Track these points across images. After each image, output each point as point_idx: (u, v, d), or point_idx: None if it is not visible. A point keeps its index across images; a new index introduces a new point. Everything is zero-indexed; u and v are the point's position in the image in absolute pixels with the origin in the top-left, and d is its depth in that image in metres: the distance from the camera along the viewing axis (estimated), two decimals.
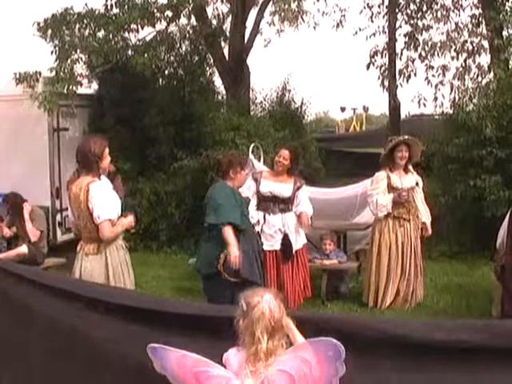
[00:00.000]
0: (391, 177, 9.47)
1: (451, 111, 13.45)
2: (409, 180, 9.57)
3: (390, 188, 9.45)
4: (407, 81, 17.75)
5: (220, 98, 16.58)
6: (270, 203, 9.06)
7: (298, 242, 9.21)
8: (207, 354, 3.54)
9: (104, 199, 6.32)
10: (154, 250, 13.71)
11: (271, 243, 9.02)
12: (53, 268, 9.93)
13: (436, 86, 16.06)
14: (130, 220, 6.57)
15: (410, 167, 9.69)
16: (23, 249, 9.51)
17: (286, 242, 9.04)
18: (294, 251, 9.09)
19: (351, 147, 24.56)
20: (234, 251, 7.47)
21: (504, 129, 11.96)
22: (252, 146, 11.55)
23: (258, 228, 8.88)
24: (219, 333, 3.69)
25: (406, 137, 9.71)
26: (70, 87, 12.73)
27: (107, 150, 6.50)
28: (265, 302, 3.40)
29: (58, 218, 13.00)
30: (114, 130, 13.94)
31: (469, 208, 12.24)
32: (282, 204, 9.09)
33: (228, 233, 7.50)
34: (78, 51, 13.24)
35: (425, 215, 9.65)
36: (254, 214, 8.88)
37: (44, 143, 13.13)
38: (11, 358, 4.83)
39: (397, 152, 9.51)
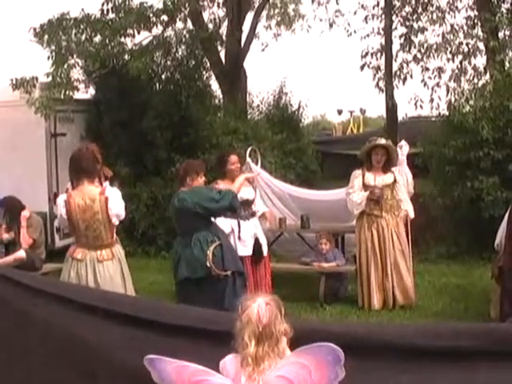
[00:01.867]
0: (366, 175, 9.59)
1: (448, 113, 13.47)
2: (384, 178, 9.67)
3: (364, 186, 9.58)
4: (403, 83, 17.78)
5: (217, 101, 16.62)
6: (241, 210, 8.92)
7: (265, 246, 9.35)
8: (208, 361, 3.54)
9: (121, 201, 6.55)
10: (152, 254, 13.73)
11: (248, 249, 9.08)
12: (51, 273, 9.91)
13: (432, 88, 16.07)
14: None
15: (396, 169, 9.78)
16: (21, 254, 9.47)
17: (257, 245, 9.17)
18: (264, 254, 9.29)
19: (348, 150, 24.45)
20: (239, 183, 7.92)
21: (501, 130, 11.99)
22: (249, 149, 11.56)
23: (233, 236, 8.89)
24: (220, 338, 3.67)
25: (383, 141, 9.78)
26: (67, 92, 12.77)
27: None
28: (254, 307, 3.39)
29: (56, 223, 12.98)
30: (112, 135, 13.98)
31: (466, 209, 12.26)
32: (250, 208, 9.20)
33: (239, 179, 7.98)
34: (75, 56, 13.30)
35: (408, 207, 9.78)
36: (227, 224, 8.84)
37: (41, 148, 13.17)
38: (9, 364, 4.82)
39: (373, 155, 9.64)
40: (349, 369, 3.30)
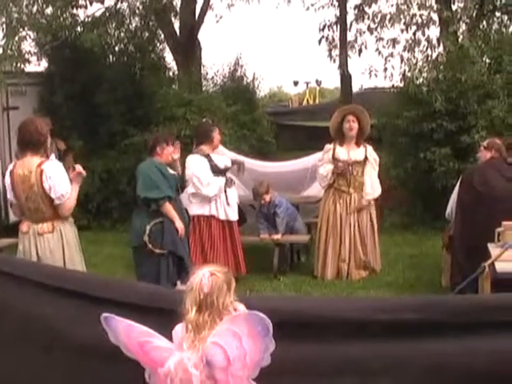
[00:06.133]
0: (337, 149, 9.61)
1: (402, 84, 13.55)
2: (355, 154, 9.67)
3: (334, 160, 9.59)
4: (359, 54, 17.83)
5: (171, 74, 16.52)
6: (225, 176, 9.44)
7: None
8: (161, 333, 3.58)
9: (61, 178, 6.40)
10: (107, 228, 13.70)
11: (236, 214, 9.52)
12: (6, 249, 9.82)
13: (386, 58, 16.13)
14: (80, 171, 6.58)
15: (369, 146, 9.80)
16: None
17: (240, 211, 9.69)
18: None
19: (304, 121, 24.57)
20: (179, 223, 7.96)
21: (453, 102, 12.11)
22: (203, 121, 11.54)
23: (219, 202, 9.32)
24: (170, 316, 3.70)
25: (350, 106, 9.80)
26: (18, 65, 12.57)
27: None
28: (197, 276, 3.45)
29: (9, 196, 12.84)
30: (65, 108, 13.86)
31: (419, 180, 12.42)
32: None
33: (169, 208, 7.94)
34: (26, 28, 13.06)
35: (369, 191, 9.70)
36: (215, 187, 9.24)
37: None
38: None
39: (345, 123, 9.63)
40: (293, 342, 3.38)
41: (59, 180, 6.36)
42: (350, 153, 9.64)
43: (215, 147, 9.47)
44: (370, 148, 9.80)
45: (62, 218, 6.51)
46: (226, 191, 9.32)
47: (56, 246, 6.46)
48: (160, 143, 8.12)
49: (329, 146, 9.75)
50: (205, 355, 3.33)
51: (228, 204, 9.36)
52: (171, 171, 8.20)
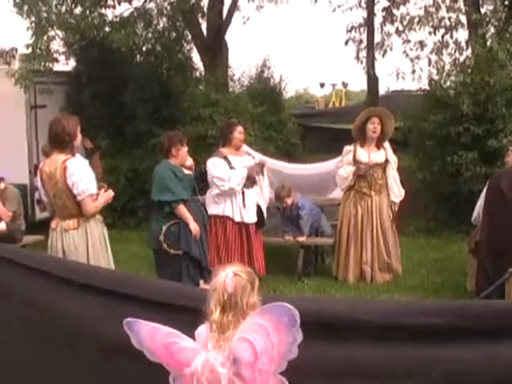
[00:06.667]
0: (358, 151, 9.58)
1: (429, 87, 13.48)
2: (377, 156, 9.66)
3: (355, 162, 9.57)
4: (383, 55, 17.81)
5: (198, 74, 16.56)
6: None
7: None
8: (184, 332, 3.57)
9: (84, 175, 6.51)
10: (132, 226, 13.76)
11: (252, 216, 9.37)
12: (30, 245, 9.90)
13: (413, 60, 16.11)
14: (109, 193, 6.77)
15: (387, 144, 9.77)
16: (1, 226, 9.42)
17: (259, 213, 9.48)
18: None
19: (330, 123, 24.56)
20: (194, 225, 7.96)
21: (481, 105, 12.00)
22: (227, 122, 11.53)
23: (235, 203, 9.22)
24: (196, 315, 3.70)
25: (376, 109, 9.77)
26: (47, 64, 12.67)
27: (79, 129, 6.64)
28: (221, 276, 3.44)
29: (37, 195, 12.91)
30: (92, 107, 13.91)
31: (445, 184, 12.31)
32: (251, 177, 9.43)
33: (183, 210, 7.95)
34: (55, 27, 13.15)
35: (394, 194, 9.73)
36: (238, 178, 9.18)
37: (21, 120, 13.09)
38: None
39: (369, 124, 9.60)
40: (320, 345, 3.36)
41: (82, 176, 6.47)
42: (370, 155, 9.62)
43: (236, 147, 9.35)
44: (389, 150, 9.81)
45: (92, 216, 6.61)
46: (243, 192, 9.27)
47: (80, 242, 6.56)
48: (175, 144, 8.09)
49: (349, 148, 9.73)
50: (231, 353, 3.32)
51: (244, 206, 9.28)
52: (187, 172, 8.21)
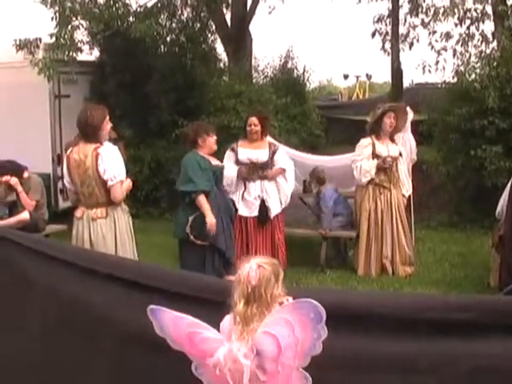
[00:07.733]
0: (376, 144, 9.59)
1: (454, 80, 13.39)
2: (393, 149, 9.72)
3: (374, 155, 9.59)
4: (410, 47, 17.71)
5: (222, 65, 16.58)
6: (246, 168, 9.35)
7: (275, 208, 9.48)
8: (207, 322, 3.57)
9: (115, 161, 6.57)
10: (156, 216, 13.81)
11: (250, 210, 9.37)
12: (53, 235, 9.94)
13: (438, 51, 15.99)
14: (129, 182, 6.79)
15: (396, 138, 9.81)
16: (25, 215, 9.43)
17: (262, 208, 9.38)
18: (271, 217, 9.44)
19: (353, 115, 24.39)
20: (210, 218, 7.75)
21: (506, 99, 11.89)
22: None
23: (236, 195, 9.27)
24: (220, 301, 3.69)
25: (394, 104, 9.80)
26: (71, 53, 12.69)
27: (107, 118, 6.64)
28: (245, 268, 3.44)
29: (60, 184, 12.99)
30: (116, 97, 13.92)
31: (469, 178, 12.24)
32: (260, 170, 9.35)
33: (202, 201, 7.78)
34: (79, 17, 13.17)
35: (405, 187, 9.91)
36: (232, 181, 9.22)
37: (45, 110, 13.15)
38: (10, 327, 4.85)
39: (386, 119, 9.64)
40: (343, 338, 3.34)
41: (113, 162, 6.52)
42: (388, 147, 9.66)
43: (251, 138, 9.34)
44: (399, 144, 9.89)
45: (115, 203, 6.62)
46: (245, 185, 9.32)
47: (108, 231, 6.59)
48: (201, 135, 7.98)
49: (368, 140, 9.70)
50: (255, 345, 3.32)
51: (242, 198, 9.32)
52: (215, 162, 8.15)
